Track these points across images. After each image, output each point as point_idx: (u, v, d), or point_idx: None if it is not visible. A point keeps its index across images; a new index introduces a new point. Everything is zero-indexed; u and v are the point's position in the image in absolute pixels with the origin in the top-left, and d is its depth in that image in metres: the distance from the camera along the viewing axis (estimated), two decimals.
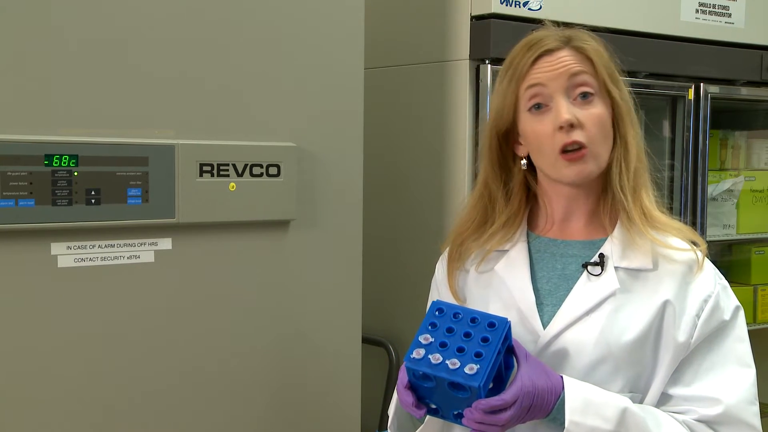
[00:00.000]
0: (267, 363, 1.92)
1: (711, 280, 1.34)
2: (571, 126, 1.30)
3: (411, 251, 2.47)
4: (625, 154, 1.34)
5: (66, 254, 1.68)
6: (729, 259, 3.04)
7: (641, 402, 1.31)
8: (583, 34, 1.38)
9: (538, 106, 1.33)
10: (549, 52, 1.33)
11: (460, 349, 1.22)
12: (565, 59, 1.33)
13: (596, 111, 1.32)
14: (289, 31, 1.89)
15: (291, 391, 1.95)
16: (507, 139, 1.41)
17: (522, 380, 1.22)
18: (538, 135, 1.33)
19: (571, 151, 1.30)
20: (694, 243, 1.36)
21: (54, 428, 1.69)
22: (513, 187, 1.43)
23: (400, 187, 2.51)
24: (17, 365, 1.64)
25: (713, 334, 1.32)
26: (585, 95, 1.32)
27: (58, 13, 1.64)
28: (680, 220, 1.40)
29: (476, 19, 2.25)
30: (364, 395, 2.08)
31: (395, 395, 1.39)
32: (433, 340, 1.24)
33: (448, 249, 1.48)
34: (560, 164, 1.32)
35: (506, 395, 1.20)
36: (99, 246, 1.71)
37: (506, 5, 2.22)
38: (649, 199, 1.36)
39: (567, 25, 1.41)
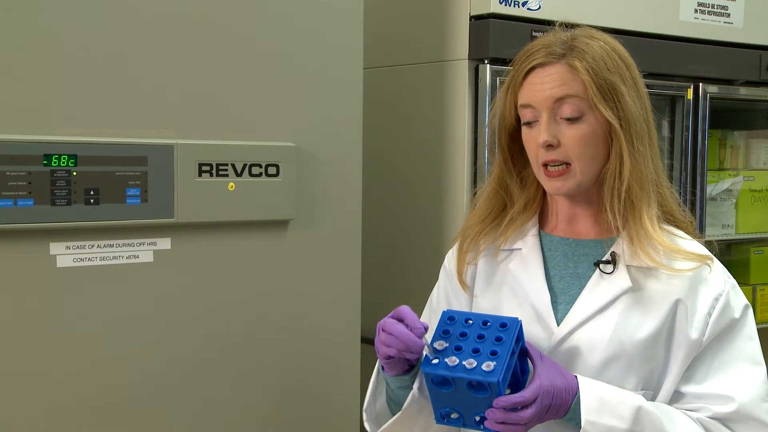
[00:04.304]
0: (266, 363, 1.92)
1: (721, 278, 1.36)
2: (550, 146, 1.32)
3: (410, 251, 2.47)
4: (619, 169, 1.31)
5: (65, 254, 1.67)
6: (728, 258, 3.04)
7: (653, 400, 1.32)
8: (586, 42, 1.33)
9: (528, 123, 1.36)
10: (541, 65, 1.33)
11: (475, 350, 1.24)
12: (554, 78, 1.32)
13: (580, 131, 1.31)
14: (289, 30, 1.89)
15: (291, 390, 1.95)
16: (517, 133, 1.42)
17: (540, 379, 1.24)
18: (528, 148, 1.37)
19: (553, 167, 1.34)
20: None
21: (53, 428, 1.68)
22: (528, 175, 1.44)
23: (399, 187, 2.51)
24: (16, 365, 1.64)
25: (724, 332, 1.33)
26: (570, 117, 1.32)
27: (56, 13, 1.64)
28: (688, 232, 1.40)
29: (475, 18, 2.25)
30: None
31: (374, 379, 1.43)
32: (447, 345, 1.26)
33: (458, 241, 1.48)
34: (543, 177, 1.36)
35: (526, 392, 1.22)
36: (98, 246, 1.70)
37: (505, 5, 2.22)
38: (650, 221, 1.32)
39: (573, 26, 1.39)
